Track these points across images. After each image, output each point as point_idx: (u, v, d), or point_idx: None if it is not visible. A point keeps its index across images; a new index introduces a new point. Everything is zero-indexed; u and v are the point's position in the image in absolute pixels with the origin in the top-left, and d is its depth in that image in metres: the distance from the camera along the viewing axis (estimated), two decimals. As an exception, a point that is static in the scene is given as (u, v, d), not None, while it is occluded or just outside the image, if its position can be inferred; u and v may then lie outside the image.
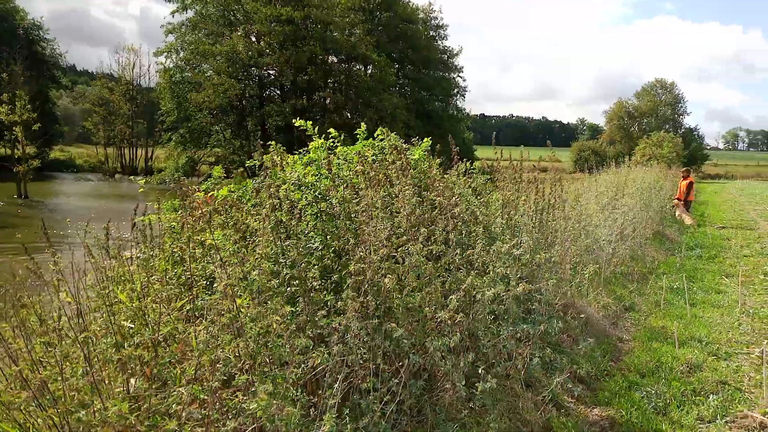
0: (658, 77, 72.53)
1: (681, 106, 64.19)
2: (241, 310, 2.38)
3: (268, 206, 3.24)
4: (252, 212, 3.92)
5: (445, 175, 5.70)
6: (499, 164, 6.18)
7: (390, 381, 3.02)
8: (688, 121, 64.92)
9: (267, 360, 2.39)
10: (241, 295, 2.55)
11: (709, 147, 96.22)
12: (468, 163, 5.96)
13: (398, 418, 3.26)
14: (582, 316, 5.43)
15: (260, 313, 2.34)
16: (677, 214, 15.52)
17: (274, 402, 2.03)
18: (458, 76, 49.75)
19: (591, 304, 6.25)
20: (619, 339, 5.76)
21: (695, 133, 64.23)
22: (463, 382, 3.35)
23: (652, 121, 62.72)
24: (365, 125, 5.85)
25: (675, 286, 7.74)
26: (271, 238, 3.22)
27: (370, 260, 3.04)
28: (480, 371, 3.37)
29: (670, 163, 34.79)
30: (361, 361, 3.04)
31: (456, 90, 49.02)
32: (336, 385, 2.62)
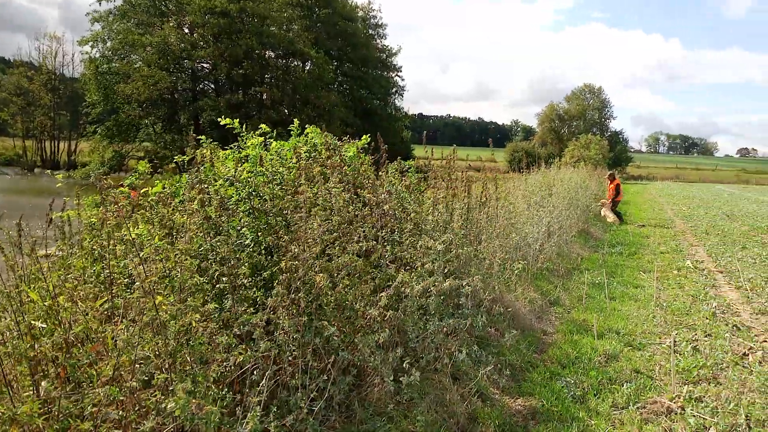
0: (587, 82, 75.81)
1: (608, 111, 67.26)
2: (161, 307, 2.31)
3: (197, 202, 3.17)
4: (179, 208, 3.83)
5: (380, 173, 5.76)
6: (431, 163, 6.30)
7: (319, 378, 3.03)
8: (615, 125, 68.30)
9: (188, 359, 2.34)
10: (161, 293, 2.48)
11: (632, 150, 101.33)
12: (403, 162, 6.06)
13: (327, 414, 3.27)
14: (509, 310, 5.62)
15: (180, 311, 2.28)
16: (603, 213, 16.29)
17: (194, 400, 1.99)
18: (397, 75, 50.16)
19: (518, 299, 6.46)
20: (544, 332, 6.00)
21: (620, 136, 67.42)
22: (391, 377, 3.40)
23: (581, 124, 65.41)
24: (303, 122, 5.82)
25: (597, 282, 8.13)
26: (200, 235, 3.15)
27: (303, 257, 3.04)
28: (406, 365, 3.43)
29: (597, 165, 36.37)
30: (291, 358, 3.03)
31: (395, 89, 49.38)
32: (263, 382, 2.60)
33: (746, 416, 3.96)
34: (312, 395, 3.01)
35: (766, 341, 5.77)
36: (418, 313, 4.08)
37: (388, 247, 4.44)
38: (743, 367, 4.99)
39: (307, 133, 5.38)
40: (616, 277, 8.80)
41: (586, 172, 21.53)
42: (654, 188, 40.53)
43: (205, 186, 3.41)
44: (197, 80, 38.19)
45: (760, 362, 5.11)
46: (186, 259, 2.71)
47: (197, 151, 4.48)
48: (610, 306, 7.02)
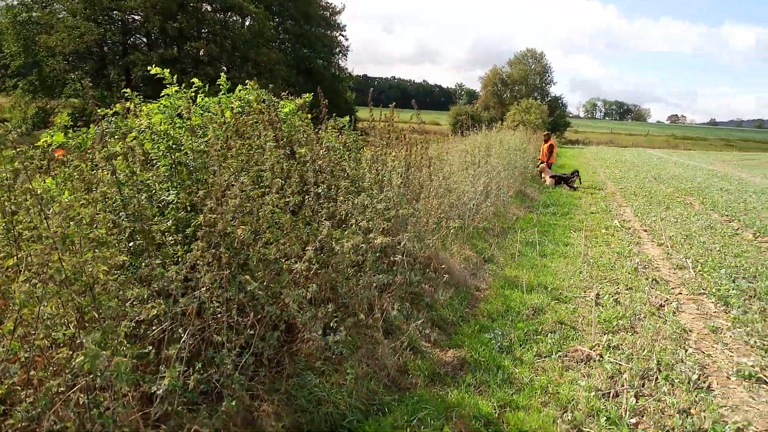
0: (529, 47, 76.54)
1: (548, 76, 68.41)
2: (64, 260, 2.19)
3: (105, 154, 3.00)
4: (99, 163, 3.64)
5: (318, 131, 5.67)
6: (373, 123, 6.24)
7: (244, 333, 3.00)
8: (554, 90, 69.57)
9: (97, 315, 2.26)
10: (70, 248, 2.36)
11: (571, 115, 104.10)
12: (340, 119, 5.98)
13: (256, 369, 3.26)
14: (443, 267, 5.73)
15: (84, 263, 2.18)
16: (544, 176, 16.75)
17: (103, 353, 1.92)
18: (341, 34, 48.98)
19: (454, 257, 6.60)
20: (477, 288, 6.17)
21: (560, 101, 68.95)
22: (320, 332, 3.42)
23: (522, 88, 66.32)
24: (242, 79, 5.61)
25: (530, 240, 8.39)
26: (113, 189, 3.01)
27: (222, 211, 2.96)
28: (337, 321, 3.45)
29: (536, 129, 37.12)
30: (215, 314, 2.99)
31: (338, 49, 48.26)
32: (184, 338, 2.55)
33: (657, 361, 4.23)
34: (240, 351, 2.98)
35: (681, 293, 6.15)
36: (353, 270, 4.10)
37: (325, 204, 4.40)
38: (659, 317, 5.30)
39: (241, 89, 5.19)
40: (549, 236, 9.11)
41: (525, 135, 21.95)
42: (589, 152, 41.88)
43: (117, 138, 3.23)
44: (128, 33, 36.00)
45: (674, 312, 5.44)
46: (99, 214, 2.58)
47: (117, 105, 4.25)
48: (541, 263, 7.28)
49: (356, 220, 4.14)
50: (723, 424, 3.35)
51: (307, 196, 4.12)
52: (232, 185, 3.35)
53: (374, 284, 4.03)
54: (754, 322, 5.10)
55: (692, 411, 3.54)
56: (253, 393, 3.09)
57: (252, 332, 3.02)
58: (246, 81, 5.55)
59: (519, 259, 7.40)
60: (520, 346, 4.54)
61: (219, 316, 2.95)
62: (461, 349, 4.44)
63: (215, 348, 2.94)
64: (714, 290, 6.11)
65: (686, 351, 4.48)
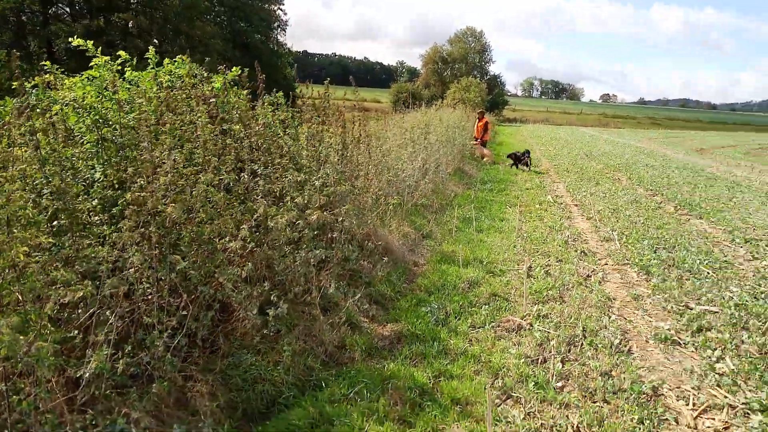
0: (469, 26, 77.08)
1: (487, 54, 69.33)
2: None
3: (27, 129, 2.85)
4: (17, 140, 3.44)
5: (254, 108, 5.55)
6: (312, 99, 6.17)
7: (177, 314, 2.94)
8: (493, 69, 70.53)
9: (19, 297, 2.16)
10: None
11: (509, 93, 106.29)
12: (277, 95, 5.87)
13: (190, 350, 3.22)
14: (380, 243, 5.79)
15: (3, 243, 2.07)
16: (477, 153, 17.05)
17: (22, 338, 1.85)
18: (279, 8, 47.67)
19: (392, 233, 6.67)
20: (415, 263, 6.28)
21: (498, 80, 70.14)
22: (255, 311, 3.40)
23: (462, 66, 66.95)
24: (174, 53, 5.38)
25: (467, 216, 8.59)
26: (34, 167, 2.86)
27: (152, 189, 2.87)
28: (273, 299, 3.44)
29: (476, 107, 37.63)
30: (146, 296, 2.92)
31: (277, 23, 46.98)
32: (111, 320, 2.48)
33: (583, 328, 4.47)
34: (172, 332, 2.93)
35: (607, 264, 6.48)
36: (290, 248, 4.08)
37: (260, 182, 4.33)
38: (586, 287, 5.57)
39: (168, 62, 4.99)
40: (485, 212, 9.35)
41: (464, 113, 22.25)
42: (526, 130, 42.97)
43: (39, 112, 3.06)
44: (49, 2, 33.76)
45: (600, 282, 5.74)
46: (17, 192, 2.45)
47: (37, 78, 4.00)
48: (477, 238, 7.47)
49: (292, 197, 4.11)
50: (640, 384, 3.59)
51: (242, 174, 4.05)
52: (163, 162, 3.25)
53: (311, 261, 4.03)
54: (671, 289, 5.44)
55: (613, 373, 3.76)
56: (186, 374, 3.05)
57: (185, 313, 2.97)
58: (178, 55, 5.35)
59: (456, 235, 7.57)
60: (456, 318, 4.68)
61: (149, 297, 2.88)
62: (399, 323, 4.53)
63: (146, 330, 2.88)
64: (637, 260, 6.46)
65: (610, 318, 4.74)
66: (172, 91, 4.74)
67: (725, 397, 3.51)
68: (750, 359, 3.92)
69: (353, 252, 4.77)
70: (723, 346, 4.18)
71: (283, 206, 4.12)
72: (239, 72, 5.49)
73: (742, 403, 3.41)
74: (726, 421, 3.26)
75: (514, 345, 4.19)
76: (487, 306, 4.96)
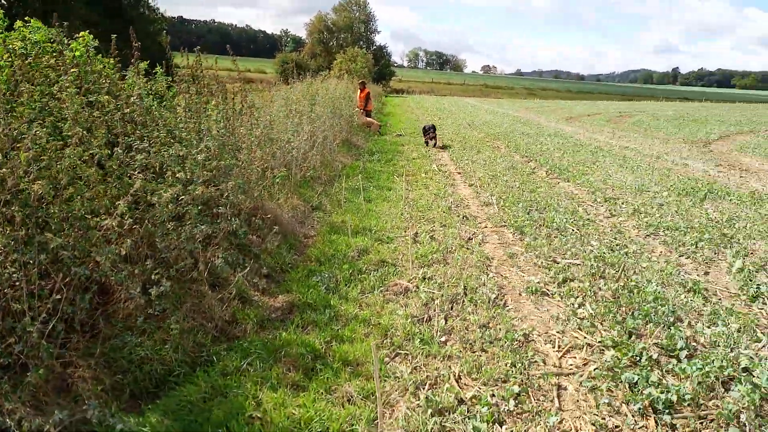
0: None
1: (372, 24, 69.54)
2: None
3: None
4: None
5: (125, 78, 5.23)
6: (189, 70, 5.90)
7: (50, 298, 2.78)
8: (379, 39, 70.78)
9: None
10: None
11: (395, 64, 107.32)
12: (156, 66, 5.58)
13: (68, 335, 3.07)
14: (269, 217, 5.76)
15: None
16: (360, 122, 17.19)
17: None
18: (148, -33, 44.28)
19: (281, 206, 6.65)
20: (306, 235, 6.33)
21: (384, 50, 70.67)
22: (138, 289, 3.30)
23: (348, 36, 66.67)
24: (29, 16, 4.89)
25: (356, 187, 8.73)
26: None
27: (12, 165, 2.66)
28: (156, 277, 3.35)
29: (363, 77, 37.74)
30: (13, 281, 2.73)
31: (144, -15, 43.72)
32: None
33: (464, 287, 4.79)
34: (47, 318, 2.77)
35: (486, 227, 6.92)
36: (173, 224, 3.96)
37: (138, 156, 4.13)
38: (467, 249, 5.94)
39: (21, 25, 4.56)
40: (373, 182, 9.55)
41: (351, 84, 22.26)
42: (412, 101, 43.91)
43: None
44: None
45: (480, 244, 6.13)
46: None
47: None
48: (366, 207, 7.64)
49: (173, 172, 3.98)
50: (513, 333, 3.94)
51: (116, 149, 3.84)
52: (22, 137, 3.01)
53: (197, 237, 3.94)
54: (541, 246, 5.95)
55: (490, 325, 4.10)
56: (65, 360, 2.92)
57: (59, 297, 2.82)
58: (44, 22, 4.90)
59: (345, 205, 7.70)
60: (346, 285, 4.82)
61: (17, 282, 2.70)
62: (291, 294, 4.58)
63: (15, 318, 2.70)
64: (512, 222, 6.97)
65: (488, 276, 5.11)
66: (27, 59, 4.35)
67: (585, 337, 3.96)
68: (605, 303, 4.43)
69: (241, 226, 4.72)
70: (584, 294, 4.68)
71: (164, 182, 3.99)
72: (88, 39, 5.10)
73: (599, 342, 3.86)
74: (585, 358, 3.69)
75: (402, 307, 4.41)
76: (375, 272, 5.14)
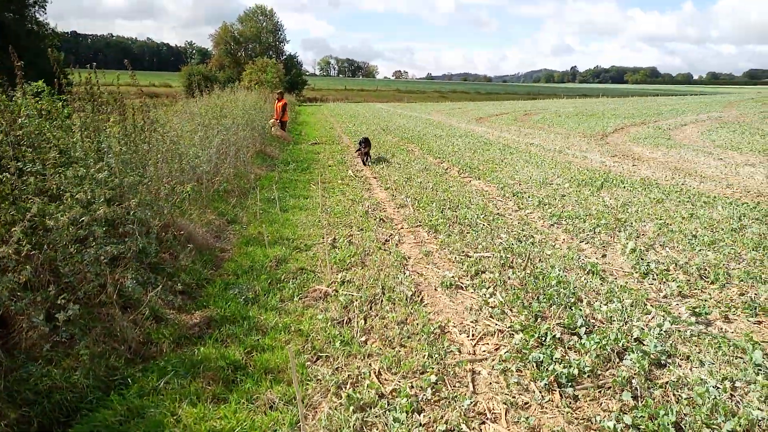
0: (258, 4, 75.54)
1: (281, 34, 68.93)
2: None
3: None
4: None
5: (12, 99, 4.95)
6: (85, 87, 5.66)
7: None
8: (288, 49, 70.41)
9: None
10: None
11: (307, 73, 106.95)
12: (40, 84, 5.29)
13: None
14: (182, 233, 5.64)
15: None
16: (274, 133, 17.07)
17: None
18: (33, -18, 41.55)
19: (195, 222, 6.52)
20: (222, 249, 6.23)
21: (295, 60, 70.25)
22: (42, 318, 3.16)
23: (256, 47, 65.75)
24: None
25: (272, 197, 8.68)
26: None
27: None
28: (60, 302, 3.22)
29: (275, 88, 37.38)
30: None
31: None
32: None
33: (382, 287, 4.92)
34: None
35: (402, 228, 7.10)
36: (75, 247, 3.81)
37: (30, 179, 3.94)
38: (384, 250, 6.08)
39: None
40: (290, 191, 9.54)
41: (260, 94, 22.04)
42: (327, 109, 43.95)
43: None
44: None
45: (397, 245, 6.30)
46: None
47: None
48: (282, 217, 7.63)
49: (71, 194, 3.83)
50: (430, 326, 4.10)
51: (5, 173, 3.64)
52: None
53: (103, 258, 3.81)
54: (454, 242, 6.20)
55: (408, 321, 4.24)
56: (-37, 398, 2.75)
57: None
58: None
59: (262, 217, 7.64)
60: (265, 295, 4.81)
61: None
62: (208, 309, 4.51)
63: None
64: (427, 221, 7.19)
65: (405, 274, 5.27)
66: None
67: (496, 324, 4.18)
68: (514, 291, 4.70)
69: (150, 244, 4.60)
70: (494, 284, 4.93)
71: (62, 204, 3.83)
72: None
73: (508, 327, 4.10)
74: (497, 344, 3.91)
75: (322, 311, 4.46)
76: (294, 280, 5.17)
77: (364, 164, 12.61)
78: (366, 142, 12.85)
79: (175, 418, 2.99)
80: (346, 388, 3.32)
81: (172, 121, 8.25)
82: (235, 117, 11.99)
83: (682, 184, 9.55)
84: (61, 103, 5.34)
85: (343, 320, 4.30)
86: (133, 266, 4.47)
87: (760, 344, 3.65)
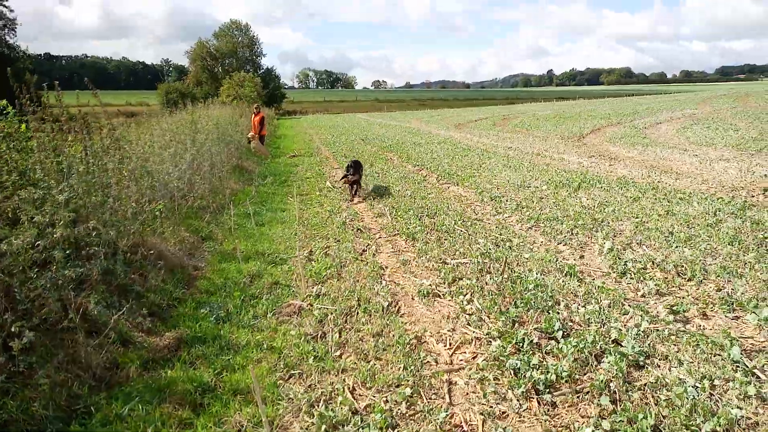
0: (233, 18, 75.39)
1: (257, 48, 68.76)
2: None
3: None
4: None
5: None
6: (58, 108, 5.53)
7: None
8: (266, 62, 70.26)
9: None
10: None
11: (286, 86, 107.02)
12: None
13: None
14: (152, 252, 5.49)
15: None
16: (252, 147, 16.91)
17: None
18: (2, 4, 41.07)
19: (167, 240, 6.36)
20: (195, 267, 6.08)
21: (273, 73, 70.12)
22: (-5, 346, 3.02)
23: (233, 62, 65.51)
24: None
25: (248, 212, 8.55)
26: None
27: None
28: (15, 329, 3.08)
29: (253, 102, 37.21)
30: None
31: (2, 22, 40.57)
32: None
33: (358, 298, 4.82)
34: None
35: (380, 237, 7.02)
36: (34, 271, 3.66)
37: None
38: (361, 261, 5.98)
39: None
40: (267, 205, 9.42)
41: (235, 109, 21.92)
42: (306, 121, 43.88)
43: None
44: None
45: (374, 254, 6.21)
46: None
47: None
48: (258, 232, 7.51)
49: (29, 217, 3.69)
50: (406, 337, 4.01)
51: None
52: None
53: (61, 282, 3.67)
54: (432, 249, 6.13)
55: (384, 332, 4.14)
56: None
57: None
58: None
59: (237, 232, 7.51)
60: (237, 313, 4.68)
61: None
62: (178, 330, 4.37)
63: None
64: (405, 229, 7.12)
65: (381, 284, 5.18)
66: None
67: (473, 332, 4.10)
68: (491, 297, 4.63)
69: (115, 264, 4.45)
70: (472, 291, 4.86)
71: (21, 227, 3.69)
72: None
73: (486, 334, 4.02)
74: (474, 351, 3.83)
75: (295, 326, 4.35)
76: (268, 295, 5.06)
77: (352, 197, 9.69)
78: (356, 167, 9.75)
79: (138, 446, 2.86)
80: (318, 406, 3.21)
81: (143, 138, 8.09)
82: (209, 132, 11.84)
83: (658, 182, 9.60)
84: (24, 125, 5.20)
85: (318, 335, 4.19)
86: (99, 289, 4.33)
87: (737, 340, 3.61)
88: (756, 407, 2.92)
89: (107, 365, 3.73)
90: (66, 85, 6.06)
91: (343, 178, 9.94)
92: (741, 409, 2.87)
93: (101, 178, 5.25)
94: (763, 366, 3.32)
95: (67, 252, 4.15)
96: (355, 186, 9.79)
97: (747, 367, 3.28)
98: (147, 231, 5.98)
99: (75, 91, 5.59)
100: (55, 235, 3.57)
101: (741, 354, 3.41)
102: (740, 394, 3.02)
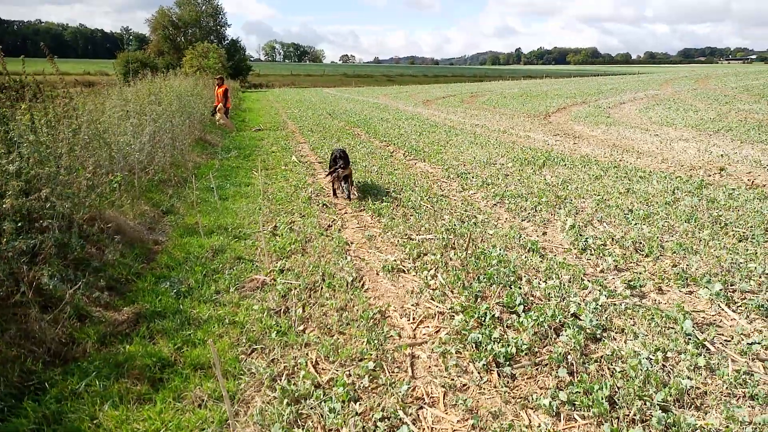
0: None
1: (221, 18, 66.82)
2: None
3: None
4: None
5: None
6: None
7: None
8: (231, 33, 68.39)
9: None
10: None
11: (252, 59, 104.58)
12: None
13: None
14: (110, 226, 5.33)
15: None
16: (217, 120, 16.53)
17: None
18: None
19: (126, 214, 6.19)
20: (156, 242, 5.94)
21: (238, 45, 68.34)
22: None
23: (197, 32, 63.58)
24: None
25: (211, 186, 8.37)
26: None
27: None
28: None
29: (217, 73, 36.32)
30: None
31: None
32: None
33: (323, 273, 4.79)
34: None
35: (346, 213, 6.98)
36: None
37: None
38: (326, 236, 5.94)
39: None
40: (231, 179, 9.24)
41: (200, 80, 21.33)
42: (272, 95, 43.07)
43: None
44: None
45: (339, 230, 6.17)
46: None
47: None
48: (222, 206, 7.36)
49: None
50: (370, 311, 4.02)
51: None
52: None
53: (13, 255, 3.53)
54: (397, 225, 6.13)
55: (347, 307, 4.14)
56: None
57: None
58: None
59: (200, 206, 7.35)
60: (199, 287, 4.60)
61: None
62: (137, 305, 4.27)
63: None
64: (371, 205, 7.08)
65: (347, 260, 5.16)
66: None
67: (437, 306, 4.14)
68: (455, 272, 4.66)
69: (75, 239, 4.31)
70: (436, 266, 4.89)
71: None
72: None
73: (449, 309, 4.06)
74: (437, 326, 3.86)
75: (259, 301, 4.31)
76: (231, 270, 4.97)
77: (335, 195, 7.86)
78: (344, 159, 7.55)
79: (95, 422, 2.80)
80: (281, 380, 3.19)
81: (102, 107, 7.80)
82: (170, 103, 11.49)
83: (620, 161, 9.79)
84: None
85: (281, 309, 4.16)
86: (54, 263, 4.18)
87: (690, 314, 3.74)
88: (705, 378, 3.03)
89: (63, 340, 3.63)
90: (19, 51, 5.76)
91: (331, 173, 7.66)
92: (691, 379, 2.98)
93: (54, 149, 5.04)
94: (713, 338, 3.45)
95: (19, 224, 4.00)
96: (342, 183, 7.73)
97: (698, 339, 3.40)
98: (104, 203, 5.80)
99: (20, 57, 5.30)
100: (3, 206, 3.41)
101: (693, 327, 3.53)
102: (691, 366, 3.13)
